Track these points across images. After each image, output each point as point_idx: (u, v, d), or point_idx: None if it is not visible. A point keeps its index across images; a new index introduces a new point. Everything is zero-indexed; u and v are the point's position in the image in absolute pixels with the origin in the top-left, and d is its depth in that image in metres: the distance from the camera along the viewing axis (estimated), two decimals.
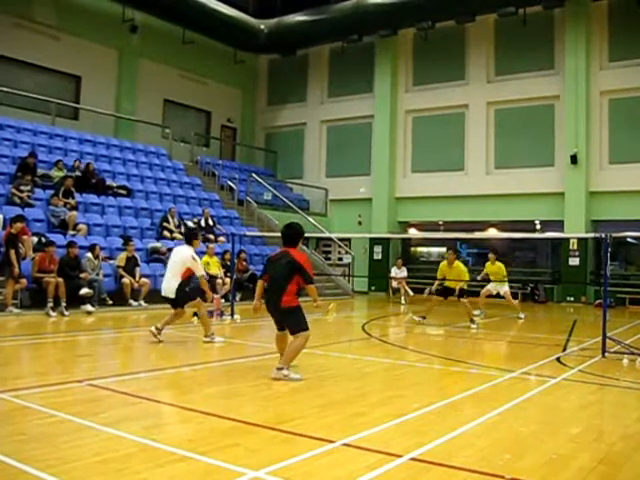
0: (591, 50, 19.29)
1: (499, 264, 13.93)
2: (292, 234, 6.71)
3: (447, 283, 12.34)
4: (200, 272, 8.77)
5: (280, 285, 6.41)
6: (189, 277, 8.73)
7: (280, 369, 6.26)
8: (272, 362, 7.14)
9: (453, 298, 12.39)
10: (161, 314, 12.87)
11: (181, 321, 11.69)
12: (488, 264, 14.06)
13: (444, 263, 12.41)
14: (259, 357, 7.80)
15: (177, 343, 9.31)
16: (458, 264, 12.32)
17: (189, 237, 9.06)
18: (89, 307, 12.13)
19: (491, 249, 14.55)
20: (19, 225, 11.67)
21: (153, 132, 21.87)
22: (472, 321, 12.01)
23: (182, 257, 8.65)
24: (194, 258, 8.64)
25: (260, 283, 6.82)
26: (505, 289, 14.10)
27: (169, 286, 8.64)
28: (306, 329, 6.42)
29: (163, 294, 8.79)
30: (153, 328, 8.70)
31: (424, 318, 12.39)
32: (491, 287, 14.02)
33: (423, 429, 4.70)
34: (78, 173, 16.03)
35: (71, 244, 12.47)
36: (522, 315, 13.82)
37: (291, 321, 6.43)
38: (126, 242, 13.81)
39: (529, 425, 4.90)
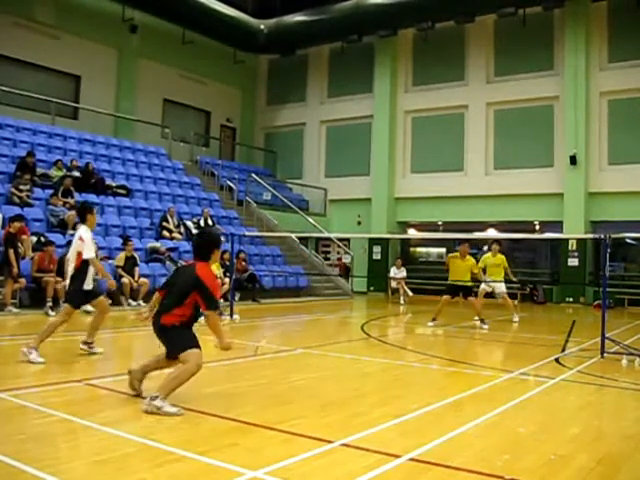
0: (591, 51, 19.29)
1: (501, 256, 12.92)
2: (202, 244, 5.37)
3: (453, 280, 12.04)
4: (88, 254, 7.08)
5: (170, 301, 5.13)
6: (82, 265, 7.14)
7: (154, 398, 4.78)
8: (272, 362, 7.16)
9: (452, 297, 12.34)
10: None
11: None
12: (488, 256, 13.07)
13: (455, 255, 12.14)
14: (258, 357, 7.79)
15: None
16: (469, 257, 12.17)
17: (81, 213, 7.49)
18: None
19: (495, 240, 13.43)
20: (17, 224, 11.66)
21: (152, 132, 21.86)
22: (482, 321, 11.82)
23: (75, 239, 7.28)
24: (81, 238, 7.11)
25: (156, 295, 5.47)
26: (502, 289, 13.19)
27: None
28: (192, 347, 5.01)
29: None
30: (83, 346, 7.46)
31: (435, 320, 12.03)
32: (485, 286, 13.10)
33: (422, 429, 4.70)
34: (75, 173, 16.01)
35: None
36: (516, 318, 13.02)
37: (168, 341, 5.13)
38: (125, 242, 13.80)
39: (528, 426, 4.90)
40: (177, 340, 5.05)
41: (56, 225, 13.97)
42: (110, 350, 7.95)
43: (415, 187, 22.01)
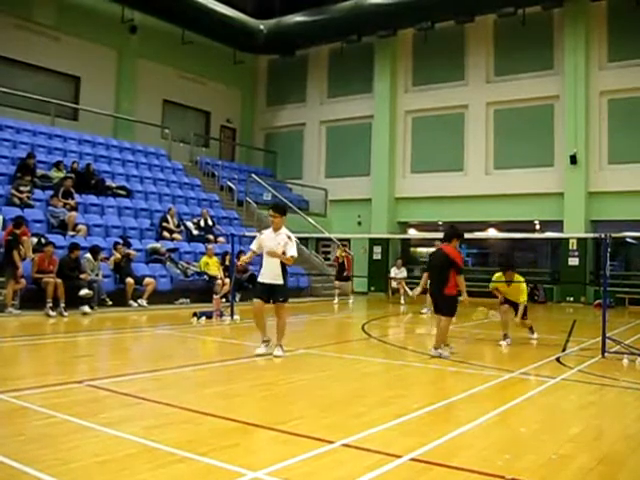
0: (590, 50, 19.30)
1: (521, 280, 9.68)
2: (446, 233, 8.27)
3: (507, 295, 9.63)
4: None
5: (439, 276, 7.94)
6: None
7: (436, 349, 7.93)
8: (272, 362, 7.16)
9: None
10: (160, 315, 12.90)
11: (182, 321, 11.71)
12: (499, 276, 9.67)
13: (499, 280, 9.52)
14: (259, 358, 7.79)
15: (177, 343, 9.31)
16: (518, 278, 9.54)
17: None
18: (87, 308, 12.11)
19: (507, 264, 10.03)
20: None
21: (152, 132, 21.86)
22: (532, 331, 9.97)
23: None
24: None
25: (424, 276, 8.61)
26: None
27: None
28: (451, 315, 8.00)
29: None
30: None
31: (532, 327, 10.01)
32: None
33: (423, 429, 4.70)
34: (73, 175, 15.95)
35: (74, 247, 12.31)
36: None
37: (444, 305, 7.97)
38: (114, 246, 13.83)
39: (529, 425, 4.90)
40: (451, 306, 7.99)
41: (56, 226, 13.96)
42: (110, 351, 7.95)
43: (415, 187, 22.02)
